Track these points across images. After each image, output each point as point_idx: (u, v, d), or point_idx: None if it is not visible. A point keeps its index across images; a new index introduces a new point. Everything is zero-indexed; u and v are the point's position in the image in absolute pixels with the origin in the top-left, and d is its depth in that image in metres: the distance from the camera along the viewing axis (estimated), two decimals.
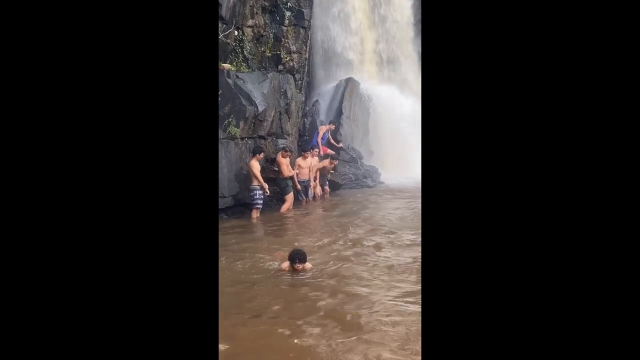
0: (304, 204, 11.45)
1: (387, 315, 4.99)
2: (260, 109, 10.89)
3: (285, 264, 6.46)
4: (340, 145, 13.85)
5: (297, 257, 6.33)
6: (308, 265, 6.47)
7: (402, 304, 5.33)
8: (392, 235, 8.38)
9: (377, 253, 7.37)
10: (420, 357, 3.79)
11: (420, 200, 10.94)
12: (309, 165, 11.61)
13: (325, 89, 14.82)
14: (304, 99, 13.50)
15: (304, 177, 11.57)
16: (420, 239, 7.88)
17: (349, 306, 5.21)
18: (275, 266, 6.64)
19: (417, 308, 5.08)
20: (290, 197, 10.92)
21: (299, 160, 11.55)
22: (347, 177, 13.22)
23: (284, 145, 11.34)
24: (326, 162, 12.40)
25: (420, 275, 6.28)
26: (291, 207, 10.95)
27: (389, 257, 7.15)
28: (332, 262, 6.86)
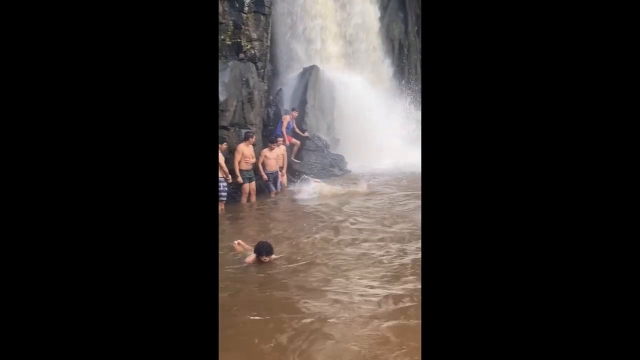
0: (272, 195, 11.17)
1: (355, 308, 4.84)
2: (222, 98, 10.58)
3: (252, 257, 6.30)
4: (306, 134, 13.61)
5: (263, 250, 6.23)
6: (274, 257, 6.32)
7: (368, 295, 5.19)
8: (357, 226, 8.23)
9: (341, 243, 7.20)
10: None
11: (391, 191, 10.89)
12: (275, 156, 11.31)
13: (289, 78, 14.54)
14: (267, 87, 13.20)
15: (272, 169, 11.27)
16: (385, 231, 7.82)
17: (305, 299, 5.05)
18: (238, 257, 6.45)
19: (378, 298, 4.99)
20: (245, 187, 10.55)
21: (266, 151, 11.25)
22: (313, 167, 12.99)
23: (247, 131, 10.97)
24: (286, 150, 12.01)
25: (386, 263, 6.17)
26: (253, 198, 10.62)
27: (357, 248, 7.00)
28: (297, 253, 6.68)
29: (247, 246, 6.79)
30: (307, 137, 13.57)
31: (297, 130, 13.38)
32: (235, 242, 7.02)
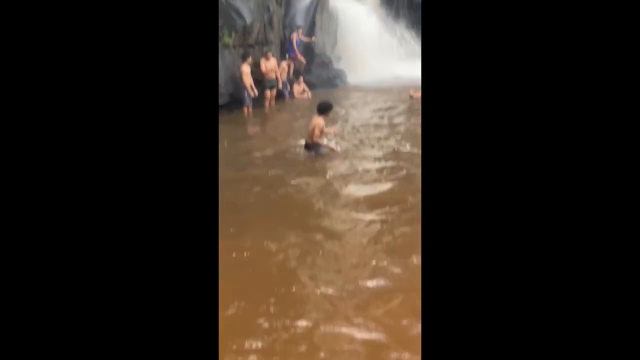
0: (287, 100, 14.34)
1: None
2: (248, 22, 13.39)
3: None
4: (313, 38, 16.24)
5: (328, 106, 7.53)
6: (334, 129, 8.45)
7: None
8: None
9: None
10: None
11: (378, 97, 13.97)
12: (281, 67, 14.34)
13: (301, 6, 17.10)
14: (283, 13, 16.03)
15: (284, 78, 14.43)
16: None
17: None
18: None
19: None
20: (267, 93, 13.42)
21: (283, 64, 14.36)
22: (320, 78, 16.15)
23: (267, 50, 13.79)
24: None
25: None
26: (273, 102, 13.64)
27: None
28: None
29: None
30: (313, 41, 16.28)
31: (304, 39, 16.01)
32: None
